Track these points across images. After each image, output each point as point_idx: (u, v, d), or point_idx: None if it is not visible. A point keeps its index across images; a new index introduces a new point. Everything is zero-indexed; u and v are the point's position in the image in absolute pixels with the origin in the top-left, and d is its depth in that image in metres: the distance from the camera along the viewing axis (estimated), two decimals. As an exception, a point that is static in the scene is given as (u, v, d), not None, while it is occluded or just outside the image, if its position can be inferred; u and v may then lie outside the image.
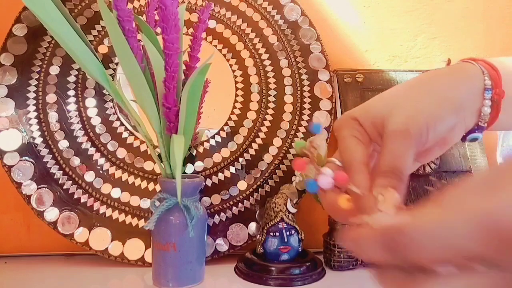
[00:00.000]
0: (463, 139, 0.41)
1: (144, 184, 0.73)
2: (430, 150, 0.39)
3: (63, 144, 0.71)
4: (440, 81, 0.39)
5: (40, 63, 0.71)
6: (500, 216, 0.21)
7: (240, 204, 0.74)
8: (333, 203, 0.34)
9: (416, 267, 0.25)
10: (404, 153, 0.34)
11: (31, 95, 0.71)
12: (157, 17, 0.60)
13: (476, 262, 0.22)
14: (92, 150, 0.72)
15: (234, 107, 0.76)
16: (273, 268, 0.65)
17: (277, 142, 0.75)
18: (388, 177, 0.33)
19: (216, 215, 0.73)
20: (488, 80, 0.39)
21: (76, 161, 0.71)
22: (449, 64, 0.50)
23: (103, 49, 0.73)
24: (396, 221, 0.25)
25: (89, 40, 0.72)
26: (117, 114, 0.73)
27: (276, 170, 0.75)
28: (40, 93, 0.71)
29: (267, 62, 0.77)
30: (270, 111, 0.76)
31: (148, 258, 0.70)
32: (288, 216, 0.68)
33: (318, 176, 0.32)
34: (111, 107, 0.73)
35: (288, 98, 0.76)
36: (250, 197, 0.74)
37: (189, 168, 0.73)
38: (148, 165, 0.73)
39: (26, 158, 0.70)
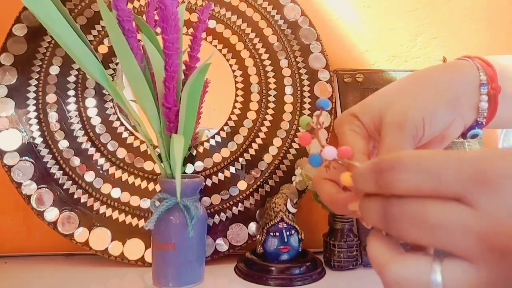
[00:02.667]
0: (464, 136, 0.41)
1: (144, 184, 0.73)
2: (428, 145, 0.39)
3: (63, 144, 0.71)
4: (434, 76, 0.39)
5: (40, 63, 0.71)
6: (487, 164, 0.23)
7: (240, 204, 0.74)
8: (331, 193, 0.35)
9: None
10: (400, 146, 0.34)
11: (31, 95, 0.71)
12: (157, 17, 0.60)
13: (455, 205, 0.24)
14: (92, 150, 0.72)
15: (234, 107, 0.76)
16: (273, 268, 0.65)
17: (277, 142, 0.75)
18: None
19: (216, 215, 0.73)
20: (484, 75, 0.39)
21: (76, 161, 0.71)
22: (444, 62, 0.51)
23: (103, 49, 0.73)
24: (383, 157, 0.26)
25: (89, 40, 0.72)
26: (117, 114, 0.73)
27: (276, 170, 0.75)
28: (40, 93, 0.71)
29: (267, 62, 0.77)
30: (270, 111, 0.76)
31: (148, 258, 0.70)
32: (288, 216, 0.68)
33: (323, 149, 0.32)
34: (111, 107, 0.73)
35: (288, 98, 0.76)
36: (250, 197, 0.74)
37: (189, 168, 0.73)
38: (148, 165, 0.73)
39: (26, 158, 0.70)
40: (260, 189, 0.75)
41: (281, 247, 0.67)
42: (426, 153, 0.25)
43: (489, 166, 0.23)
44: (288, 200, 0.68)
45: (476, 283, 0.24)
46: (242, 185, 0.74)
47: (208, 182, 0.74)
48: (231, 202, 0.74)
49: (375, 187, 0.27)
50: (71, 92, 0.72)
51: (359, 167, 0.29)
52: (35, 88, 0.71)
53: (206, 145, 0.74)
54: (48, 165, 0.70)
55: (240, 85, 0.76)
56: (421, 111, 0.36)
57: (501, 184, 0.23)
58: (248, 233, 0.73)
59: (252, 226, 0.74)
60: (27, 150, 0.70)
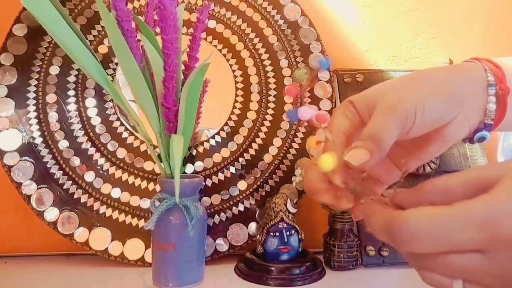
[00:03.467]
0: (471, 140, 0.41)
1: (144, 184, 0.73)
2: (428, 142, 0.39)
3: (63, 144, 0.71)
4: (436, 74, 0.39)
5: (40, 63, 0.71)
6: (498, 218, 0.25)
7: (240, 204, 0.74)
8: (310, 179, 0.36)
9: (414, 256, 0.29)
10: (387, 124, 0.34)
11: (31, 95, 0.71)
12: (156, 17, 0.60)
13: (471, 252, 0.26)
14: (92, 150, 0.72)
15: (234, 107, 0.76)
16: (273, 268, 0.65)
17: (277, 142, 0.75)
18: (365, 140, 0.34)
19: (216, 215, 0.73)
20: (491, 76, 0.39)
21: (76, 161, 0.71)
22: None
23: (103, 49, 0.73)
24: (393, 214, 0.28)
25: (89, 40, 0.72)
26: (117, 114, 0.73)
27: (276, 170, 0.75)
28: (40, 93, 0.71)
29: (267, 62, 0.77)
30: (270, 111, 0.76)
31: (148, 258, 0.70)
32: (288, 216, 0.68)
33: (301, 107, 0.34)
34: (111, 107, 0.73)
35: (288, 98, 0.76)
36: (250, 197, 0.74)
37: (189, 168, 0.73)
38: (148, 165, 0.73)
39: (26, 158, 0.70)
40: (260, 189, 0.75)
41: (281, 247, 0.67)
42: (433, 217, 0.27)
43: (500, 227, 0.25)
44: (288, 200, 0.68)
45: None
46: (242, 185, 0.74)
47: (208, 182, 0.74)
48: (231, 202, 0.74)
49: (390, 243, 0.29)
50: (71, 92, 0.72)
51: (372, 221, 0.30)
52: (35, 88, 0.71)
53: (206, 145, 0.74)
54: (48, 165, 0.70)
55: (240, 85, 0.76)
56: (415, 99, 0.35)
57: (509, 243, 0.25)
58: (248, 233, 0.73)
59: (252, 226, 0.73)
60: (27, 150, 0.70)
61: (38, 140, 0.70)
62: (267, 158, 0.75)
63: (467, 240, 0.26)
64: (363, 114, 0.38)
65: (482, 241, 0.26)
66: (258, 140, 0.75)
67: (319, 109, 0.76)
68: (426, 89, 0.37)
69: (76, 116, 0.72)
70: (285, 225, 0.67)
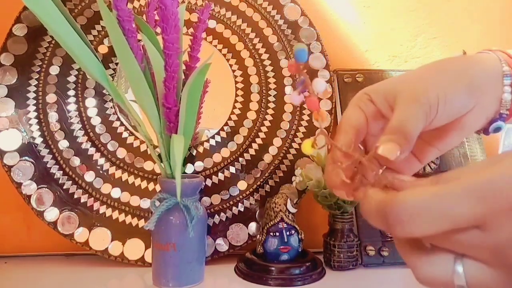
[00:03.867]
0: (486, 131, 0.41)
1: (144, 184, 0.73)
2: (447, 133, 0.38)
3: (63, 144, 0.71)
4: (454, 64, 0.39)
5: (40, 63, 0.71)
6: (498, 189, 0.24)
7: (240, 204, 0.74)
8: (327, 173, 0.36)
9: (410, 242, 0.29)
10: (412, 115, 0.34)
11: (31, 95, 0.71)
12: (157, 17, 0.60)
13: (469, 229, 0.26)
14: (92, 150, 0.72)
15: (234, 107, 0.76)
16: (273, 268, 0.65)
17: (277, 142, 0.75)
18: (393, 134, 0.33)
19: (216, 215, 0.73)
20: (506, 66, 0.38)
21: (76, 161, 0.71)
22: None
23: (103, 49, 0.73)
24: (387, 196, 0.27)
25: (89, 40, 0.72)
26: (117, 114, 0.73)
27: (276, 170, 0.75)
28: (40, 93, 0.71)
29: (267, 62, 0.77)
30: (270, 111, 0.76)
31: (148, 258, 0.70)
32: (288, 216, 0.68)
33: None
34: (111, 107, 0.73)
35: (288, 98, 0.76)
36: (250, 197, 0.74)
37: (189, 168, 0.73)
38: (148, 165, 0.73)
39: (26, 158, 0.69)
40: (260, 189, 0.75)
41: (281, 247, 0.67)
42: (431, 193, 0.26)
43: (500, 199, 0.24)
44: (288, 200, 0.68)
45: (495, 282, 0.26)
46: (242, 185, 0.74)
47: (208, 182, 0.74)
48: (231, 202, 0.74)
49: (384, 227, 0.28)
50: (71, 92, 0.72)
51: (365, 206, 0.29)
52: (35, 88, 0.71)
53: (206, 145, 0.74)
54: (48, 165, 0.70)
55: (240, 85, 0.76)
56: (437, 89, 0.35)
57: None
58: (248, 233, 0.73)
59: (252, 226, 0.74)
60: (27, 150, 0.70)
61: (38, 140, 0.70)
62: (267, 158, 0.75)
63: (467, 213, 0.25)
64: (382, 106, 0.37)
65: (483, 212, 0.25)
66: (258, 140, 0.75)
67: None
68: (446, 79, 0.36)
69: (76, 116, 0.72)
70: (285, 225, 0.67)
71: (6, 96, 0.70)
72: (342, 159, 0.34)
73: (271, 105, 0.76)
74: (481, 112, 0.38)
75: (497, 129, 0.40)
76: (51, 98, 0.71)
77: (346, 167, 0.33)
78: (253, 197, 0.74)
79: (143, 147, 0.73)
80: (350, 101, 0.40)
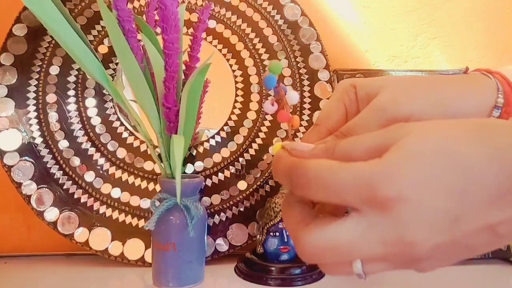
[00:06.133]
0: None
1: (144, 184, 0.73)
2: None
3: (63, 144, 0.71)
4: (450, 85, 0.38)
5: (40, 63, 0.71)
6: (378, 181, 0.26)
7: (240, 204, 0.74)
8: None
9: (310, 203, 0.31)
10: (367, 123, 0.34)
11: (31, 95, 0.71)
12: (157, 17, 0.60)
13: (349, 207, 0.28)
14: (92, 150, 0.72)
15: (234, 107, 0.76)
16: (273, 268, 0.65)
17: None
18: (339, 137, 0.34)
19: (216, 215, 0.73)
20: (501, 98, 0.38)
21: (76, 161, 0.71)
22: (466, 72, 0.49)
23: (103, 49, 0.73)
24: (296, 160, 0.30)
25: (89, 40, 0.72)
26: (117, 114, 0.73)
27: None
28: (40, 93, 0.71)
29: (267, 62, 0.77)
30: (270, 111, 0.76)
31: (148, 258, 0.70)
32: (288, 216, 0.68)
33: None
34: (111, 107, 0.73)
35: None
36: (250, 197, 0.74)
37: (189, 168, 0.73)
38: (148, 165, 0.73)
39: (26, 158, 0.69)
40: (260, 189, 0.75)
41: (281, 247, 0.67)
42: (329, 169, 0.28)
43: (378, 188, 0.26)
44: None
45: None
46: (242, 185, 0.74)
47: (208, 182, 0.74)
48: (231, 202, 0.74)
49: (289, 186, 0.31)
50: (71, 92, 0.72)
51: (276, 164, 0.32)
52: (35, 88, 0.71)
53: (206, 145, 0.74)
54: (48, 165, 0.70)
55: (240, 85, 0.76)
56: (412, 109, 0.35)
57: (386, 206, 0.26)
58: (248, 233, 0.73)
59: (252, 226, 0.74)
60: (27, 150, 0.70)
61: (38, 140, 0.70)
62: (267, 158, 0.75)
63: (352, 198, 0.27)
64: (361, 103, 0.38)
65: (362, 201, 0.27)
66: (258, 140, 0.75)
67: (319, 109, 0.76)
68: (430, 100, 0.36)
69: (76, 116, 0.72)
70: (285, 225, 0.67)
71: (6, 96, 0.70)
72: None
73: (271, 105, 0.76)
74: None
75: None
76: (51, 98, 0.71)
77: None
78: (253, 197, 0.74)
79: (143, 147, 0.73)
80: (335, 89, 0.40)
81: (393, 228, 0.27)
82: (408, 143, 0.27)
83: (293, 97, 0.35)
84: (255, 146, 0.75)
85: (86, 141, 0.72)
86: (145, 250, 0.70)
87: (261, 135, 0.75)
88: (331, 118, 0.38)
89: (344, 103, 0.38)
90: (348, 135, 0.34)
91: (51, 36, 0.71)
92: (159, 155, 0.64)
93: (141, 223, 0.71)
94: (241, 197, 0.74)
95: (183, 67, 0.63)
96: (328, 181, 0.28)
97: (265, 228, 0.68)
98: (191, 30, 0.64)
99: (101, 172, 0.72)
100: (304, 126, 0.76)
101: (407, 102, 0.35)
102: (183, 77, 0.63)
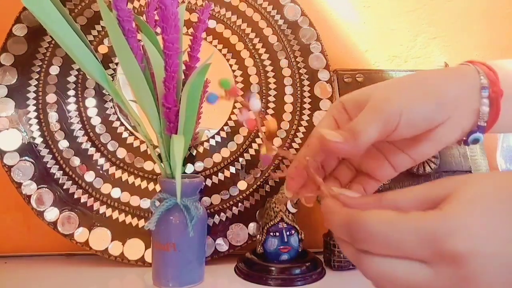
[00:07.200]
0: (465, 142, 0.41)
1: (144, 184, 0.73)
2: (420, 142, 0.39)
3: (63, 144, 0.71)
4: (430, 76, 0.40)
5: (40, 63, 0.71)
6: (444, 235, 0.26)
7: (240, 204, 0.74)
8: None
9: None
10: (367, 121, 0.35)
11: (31, 95, 0.71)
12: (157, 17, 0.60)
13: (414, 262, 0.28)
14: (92, 150, 0.72)
15: (234, 107, 0.76)
16: (273, 268, 0.65)
17: (277, 142, 0.75)
18: (344, 130, 0.36)
19: (216, 215, 0.73)
20: (484, 79, 0.39)
21: (76, 161, 0.71)
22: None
23: (103, 49, 0.73)
24: (353, 212, 0.30)
25: (89, 40, 0.72)
26: (117, 114, 0.73)
27: (276, 170, 0.75)
28: (40, 93, 0.71)
29: (267, 62, 0.77)
30: (270, 111, 0.76)
31: (148, 258, 0.70)
32: (288, 216, 0.68)
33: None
34: (111, 107, 0.73)
35: (288, 98, 0.76)
36: (250, 197, 0.74)
37: (189, 168, 0.73)
38: (148, 165, 0.73)
39: (26, 158, 0.70)
40: (260, 189, 0.75)
41: (281, 247, 0.67)
42: (388, 222, 0.28)
43: (445, 242, 0.26)
44: (288, 200, 0.68)
45: None
46: (242, 185, 0.74)
47: (208, 182, 0.74)
48: (231, 202, 0.74)
49: (348, 239, 0.31)
50: (71, 92, 0.72)
51: (331, 218, 0.32)
52: (35, 88, 0.71)
53: (206, 145, 0.74)
54: (48, 165, 0.70)
55: (240, 85, 0.76)
56: (402, 101, 0.36)
57: (456, 260, 0.26)
58: (248, 233, 0.73)
59: (252, 226, 0.74)
60: (27, 150, 0.70)
61: (38, 140, 0.70)
62: (267, 158, 0.75)
63: (415, 251, 0.27)
64: (353, 113, 0.39)
65: (428, 254, 0.27)
66: (258, 140, 0.75)
67: (319, 109, 0.76)
68: (417, 91, 0.38)
69: (76, 116, 0.72)
70: (285, 225, 0.67)
71: (6, 96, 0.70)
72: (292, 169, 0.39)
73: (271, 105, 0.76)
74: (455, 125, 0.39)
75: (476, 141, 0.41)
76: (51, 98, 0.71)
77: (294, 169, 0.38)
78: (253, 197, 0.74)
79: (143, 147, 0.73)
80: (327, 109, 0.42)
81: (464, 282, 0.27)
82: (466, 193, 0.28)
83: (254, 104, 0.38)
84: (255, 146, 0.75)
85: (86, 141, 0.72)
86: (145, 250, 0.70)
87: (261, 135, 0.75)
88: (321, 123, 0.40)
89: (333, 116, 0.40)
90: (348, 130, 0.35)
91: (51, 36, 0.71)
92: (159, 155, 0.64)
93: (141, 223, 0.71)
94: (241, 197, 0.74)
95: (183, 67, 0.63)
96: (389, 236, 0.28)
97: (265, 228, 0.68)
98: (191, 30, 0.64)
99: (101, 172, 0.72)
100: (304, 126, 0.76)
101: (397, 97, 0.36)
102: (183, 77, 0.63)
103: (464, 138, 0.41)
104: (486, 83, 0.39)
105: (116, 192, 0.72)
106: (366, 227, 0.29)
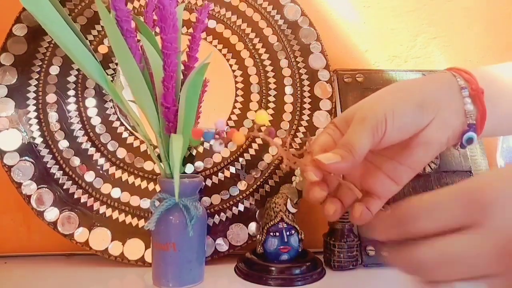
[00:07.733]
0: (461, 145, 0.43)
1: (144, 184, 0.73)
2: (411, 148, 0.41)
3: (63, 144, 0.71)
4: (409, 83, 0.43)
5: (40, 63, 0.71)
6: (475, 189, 0.30)
7: (240, 204, 0.74)
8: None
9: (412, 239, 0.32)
10: (358, 132, 0.38)
11: (31, 95, 0.71)
12: (155, 17, 0.60)
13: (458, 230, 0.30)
14: (92, 150, 0.72)
15: (234, 107, 0.76)
16: (273, 268, 0.65)
17: (277, 142, 0.75)
18: (338, 148, 0.39)
19: (216, 215, 0.73)
20: (461, 80, 0.41)
21: (76, 161, 0.71)
22: None
23: (103, 49, 0.73)
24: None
25: (89, 40, 0.72)
26: (117, 114, 0.73)
27: (276, 170, 0.75)
28: (40, 93, 0.71)
29: (267, 62, 0.77)
30: (270, 111, 0.76)
31: (148, 258, 0.70)
32: (288, 216, 0.68)
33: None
34: (111, 107, 0.73)
35: (288, 98, 0.76)
36: (250, 197, 0.74)
37: (189, 168, 0.73)
38: (148, 165, 0.73)
39: (26, 158, 0.70)
40: (260, 189, 0.74)
41: (281, 247, 0.67)
42: (431, 197, 0.31)
43: (481, 195, 0.29)
44: (288, 200, 0.68)
45: None
46: (242, 185, 0.74)
47: (208, 182, 0.74)
48: (231, 202, 0.74)
49: (395, 235, 0.33)
50: (71, 92, 0.72)
51: (377, 221, 0.35)
52: (35, 88, 0.71)
53: (206, 145, 0.74)
54: (48, 165, 0.70)
55: (240, 85, 0.76)
56: (385, 108, 0.39)
57: (493, 206, 0.28)
58: (248, 233, 0.73)
59: (252, 226, 0.73)
60: (27, 150, 0.70)
61: (38, 140, 0.71)
62: (267, 158, 0.75)
63: (460, 215, 0.30)
64: (343, 130, 0.42)
65: (470, 212, 0.29)
66: (258, 140, 0.75)
67: (319, 109, 0.76)
68: (397, 96, 0.40)
69: (76, 116, 0.72)
70: (285, 225, 0.67)
71: (6, 96, 0.70)
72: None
73: (271, 105, 0.76)
74: (442, 125, 0.40)
75: (470, 140, 0.42)
76: (51, 98, 0.71)
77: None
78: (253, 197, 0.74)
79: (143, 147, 0.73)
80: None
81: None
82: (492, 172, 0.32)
83: (219, 123, 0.45)
84: (255, 146, 0.75)
85: (86, 141, 0.72)
86: (145, 250, 0.70)
87: (261, 135, 0.75)
88: (319, 141, 0.44)
89: (328, 133, 0.44)
90: (343, 145, 0.39)
91: (51, 36, 0.71)
92: (159, 155, 0.64)
93: (141, 223, 0.71)
94: (241, 197, 0.74)
95: (182, 67, 0.63)
96: (434, 208, 0.30)
97: (265, 228, 0.68)
98: (190, 30, 0.64)
99: (101, 172, 0.72)
100: (304, 126, 0.76)
101: (380, 105, 0.39)
102: (181, 77, 0.63)
103: (458, 141, 0.42)
104: (463, 83, 0.41)
105: (116, 192, 0.72)
106: (413, 207, 0.31)
